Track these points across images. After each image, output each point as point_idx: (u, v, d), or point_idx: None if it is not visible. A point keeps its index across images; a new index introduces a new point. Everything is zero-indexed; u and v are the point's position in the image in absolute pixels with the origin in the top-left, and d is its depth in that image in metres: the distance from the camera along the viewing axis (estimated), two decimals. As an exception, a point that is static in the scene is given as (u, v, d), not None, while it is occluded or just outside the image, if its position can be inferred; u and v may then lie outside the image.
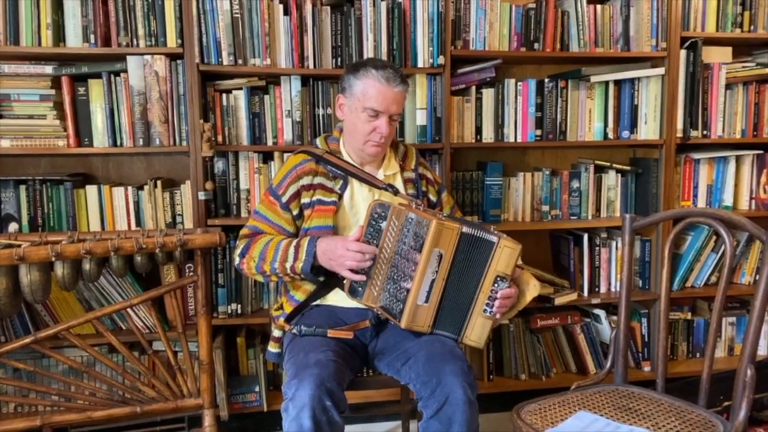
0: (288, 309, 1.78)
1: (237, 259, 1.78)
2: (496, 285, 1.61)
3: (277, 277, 1.72)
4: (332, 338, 1.65)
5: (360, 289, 1.67)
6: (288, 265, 1.66)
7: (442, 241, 1.56)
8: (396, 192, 1.75)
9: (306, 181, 1.75)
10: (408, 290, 1.59)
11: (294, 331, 1.68)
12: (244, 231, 1.81)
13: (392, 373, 1.69)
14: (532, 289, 1.70)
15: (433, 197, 1.89)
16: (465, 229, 1.58)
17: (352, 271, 1.61)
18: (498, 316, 1.64)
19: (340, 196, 1.76)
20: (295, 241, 1.69)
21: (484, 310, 1.63)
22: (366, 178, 1.76)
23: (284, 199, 1.75)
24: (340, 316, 1.76)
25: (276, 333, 1.82)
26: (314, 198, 1.74)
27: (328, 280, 1.75)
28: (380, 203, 1.64)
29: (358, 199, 1.78)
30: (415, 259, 1.57)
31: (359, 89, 1.72)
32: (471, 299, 1.62)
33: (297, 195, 1.75)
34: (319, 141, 1.86)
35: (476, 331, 1.65)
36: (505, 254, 1.59)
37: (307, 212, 1.75)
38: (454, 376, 1.50)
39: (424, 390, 1.54)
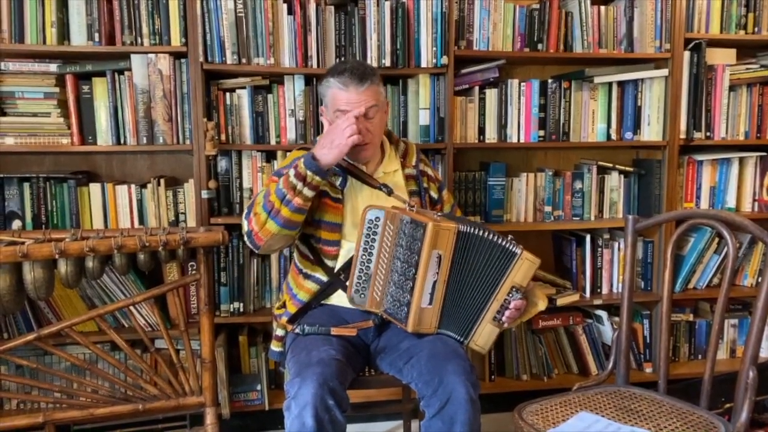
0: (291, 309, 1.78)
1: (245, 226, 1.67)
2: (510, 295, 1.61)
3: (288, 208, 1.58)
4: (335, 337, 1.65)
5: (362, 296, 1.67)
6: (292, 173, 1.58)
7: (440, 243, 1.56)
8: (390, 192, 1.74)
9: None
10: (411, 294, 1.59)
11: (297, 330, 1.68)
12: (248, 204, 1.78)
13: (394, 373, 1.69)
14: (540, 304, 1.70)
15: (434, 194, 1.90)
16: (461, 227, 1.59)
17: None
18: (506, 325, 1.64)
19: (342, 192, 1.76)
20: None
21: (495, 318, 1.63)
22: (362, 177, 1.76)
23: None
24: (343, 316, 1.76)
25: (279, 332, 1.82)
26: (321, 188, 1.73)
27: (330, 281, 1.75)
28: (372, 208, 1.64)
29: (359, 195, 1.78)
30: (414, 262, 1.57)
31: (328, 98, 1.74)
32: (484, 305, 1.63)
33: None
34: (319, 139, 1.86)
35: (483, 337, 1.65)
36: (524, 267, 1.59)
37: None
38: (456, 375, 1.51)
39: (426, 389, 1.54)
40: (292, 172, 1.58)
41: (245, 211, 1.70)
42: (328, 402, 1.44)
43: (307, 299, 1.77)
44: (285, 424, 1.49)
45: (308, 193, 1.60)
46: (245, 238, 1.69)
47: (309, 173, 1.58)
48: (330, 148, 1.59)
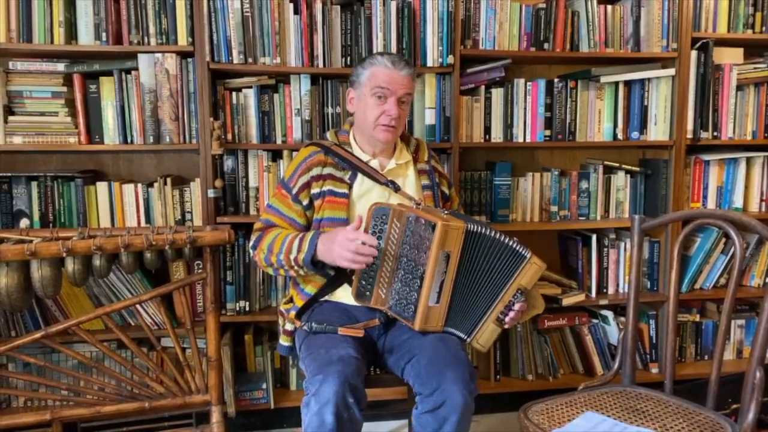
0: (299, 303, 1.79)
1: (251, 252, 1.81)
2: (514, 297, 1.62)
3: (284, 270, 1.73)
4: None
5: (368, 293, 1.67)
6: (292, 256, 1.67)
7: (449, 242, 1.56)
8: (397, 189, 1.76)
9: (316, 171, 1.76)
10: (418, 293, 1.58)
11: (305, 327, 1.68)
12: (257, 224, 1.83)
13: (398, 372, 1.69)
14: (539, 306, 1.72)
15: (445, 190, 1.92)
16: (470, 226, 1.59)
17: (357, 262, 1.58)
18: (507, 326, 1.65)
19: (350, 187, 1.77)
20: (301, 235, 1.70)
21: (498, 318, 1.64)
22: (369, 172, 1.77)
23: (295, 190, 1.77)
24: (351, 312, 1.77)
25: (288, 326, 1.82)
26: (324, 188, 1.75)
27: (338, 274, 1.76)
28: (380, 206, 1.64)
29: (369, 189, 1.78)
30: (421, 261, 1.57)
31: (366, 76, 1.76)
32: (490, 305, 1.63)
33: (307, 186, 1.76)
34: (329, 134, 1.88)
35: (485, 336, 1.66)
36: (532, 270, 1.60)
37: (317, 203, 1.76)
38: (455, 384, 1.50)
39: (422, 389, 1.54)
40: (293, 257, 1.67)
41: (253, 239, 1.80)
42: (349, 400, 1.45)
43: (314, 292, 1.78)
44: (302, 420, 1.48)
45: (304, 272, 1.73)
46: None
47: (305, 267, 1.68)
48: (330, 257, 1.62)
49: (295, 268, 1.69)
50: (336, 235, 1.60)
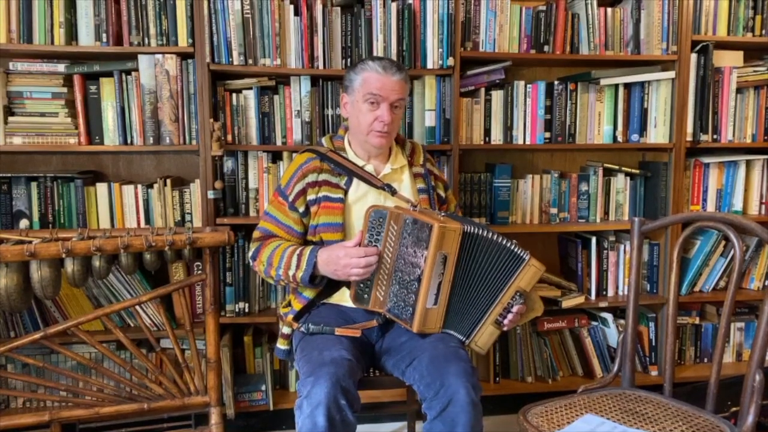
0: (297, 306, 1.79)
1: (251, 262, 1.82)
2: (513, 300, 1.62)
3: (285, 283, 1.75)
4: (342, 336, 1.65)
5: (366, 296, 1.67)
6: (291, 273, 1.69)
7: (446, 244, 1.56)
8: (394, 192, 1.75)
9: (311, 178, 1.76)
10: (416, 295, 1.59)
11: (302, 329, 1.68)
12: (255, 234, 1.83)
13: (398, 374, 1.69)
14: (537, 308, 1.72)
15: (441, 192, 1.91)
16: (467, 228, 1.59)
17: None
18: (506, 328, 1.66)
19: (346, 192, 1.77)
20: (299, 249, 1.70)
21: (497, 320, 1.64)
22: (365, 177, 1.77)
23: (291, 198, 1.77)
24: (349, 314, 1.77)
25: (285, 330, 1.82)
26: (320, 194, 1.76)
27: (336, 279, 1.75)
28: (376, 209, 1.64)
29: (364, 194, 1.78)
30: (418, 263, 1.57)
31: (358, 82, 1.76)
32: (488, 307, 1.63)
33: (303, 192, 1.76)
34: (324, 140, 1.88)
35: (484, 338, 1.66)
36: (530, 272, 1.60)
37: (313, 209, 1.76)
38: (457, 377, 1.50)
39: (427, 391, 1.54)
40: (291, 273, 1.69)
41: (252, 249, 1.81)
42: (341, 402, 1.44)
43: (312, 296, 1.78)
44: (296, 423, 1.48)
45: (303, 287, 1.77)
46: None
47: (303, 284, 1.72)
48: (334, 274, 1.66)
49: (294, 283, 1.73)
50: (336, 253, 1.63)
